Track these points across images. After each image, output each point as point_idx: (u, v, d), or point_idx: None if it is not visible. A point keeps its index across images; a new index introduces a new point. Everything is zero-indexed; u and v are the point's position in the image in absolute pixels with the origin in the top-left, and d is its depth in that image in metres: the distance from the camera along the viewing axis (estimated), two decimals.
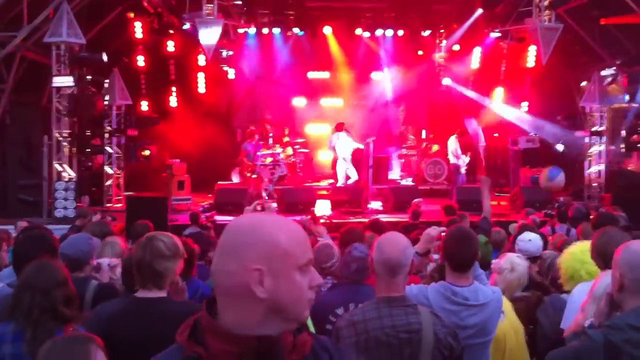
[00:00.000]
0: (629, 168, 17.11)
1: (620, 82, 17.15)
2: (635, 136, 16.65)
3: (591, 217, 8.74)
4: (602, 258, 3.74)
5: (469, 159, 17.08)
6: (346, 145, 16.15)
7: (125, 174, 16.18)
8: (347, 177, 16.33)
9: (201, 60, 17.88)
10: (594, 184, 17.28)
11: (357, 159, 16.89)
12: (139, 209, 11.79)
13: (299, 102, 19.90)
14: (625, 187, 15.79)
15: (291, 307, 1.68)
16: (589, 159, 17.45)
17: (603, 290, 3.00)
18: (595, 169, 17.31)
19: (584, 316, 3.16)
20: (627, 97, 16.89)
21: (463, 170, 17.05)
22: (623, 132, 17.07)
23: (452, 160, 17.05)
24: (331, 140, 16.66)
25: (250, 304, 1.64)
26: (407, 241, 3.24)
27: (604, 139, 17.20)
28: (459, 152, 16.94)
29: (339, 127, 16.63)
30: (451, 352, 3.05)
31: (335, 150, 16.45)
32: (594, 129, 17.11)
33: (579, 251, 4.25)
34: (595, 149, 17.31)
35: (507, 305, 4.11)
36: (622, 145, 17.43)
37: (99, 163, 16.03)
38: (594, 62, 17.23)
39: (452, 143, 16.92)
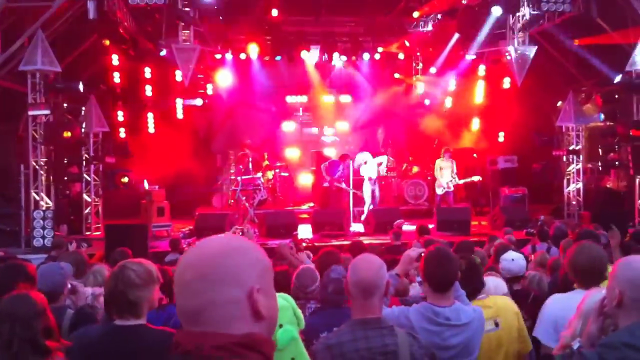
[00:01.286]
0: (607, 186, 17.29)
1: (594, 101, 17.41)
2: (611, 154, 16.85)
3: (570, 235, 8.79)
4: (586, 275, 3.76)
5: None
6: (372, 165, 16.05)
7: (103, 202, 16.02)
8: (374, 198, 16.17)
9: (179, 86, 17.86)
10: (572, 202, 17.42)
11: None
12: (118, 237, 11.72)
13: (278, 126, 19.93)
14: (603, 204, 15.96)
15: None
16: (567, 177, 17.61)
17: (591, 308, 2.99)
18: (573, 187, 17.46)
19: (571, 332, 3.14)
20: (602, 116, 17.12)
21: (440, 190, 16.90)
22: (600, 151, 17.29)
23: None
24: (356, 162, 16.45)
25: (253, 326, 1.55)
26: (381, 262, 3.21)
27: (581, 157, 17.38)
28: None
29: (344, 158, 16.47)
30: None
31: (360, 171, 16.25)
32: (571, 147, 17.28)
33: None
34: (572, 168, 17.48)
35: (502, 309, 4.12)
36: (599, 164, 17.63)
37: (77, 191, 15.87)
38: (568, 83, 17.47)
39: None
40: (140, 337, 3.23)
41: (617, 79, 15.41)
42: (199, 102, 18.54)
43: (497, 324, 4.04)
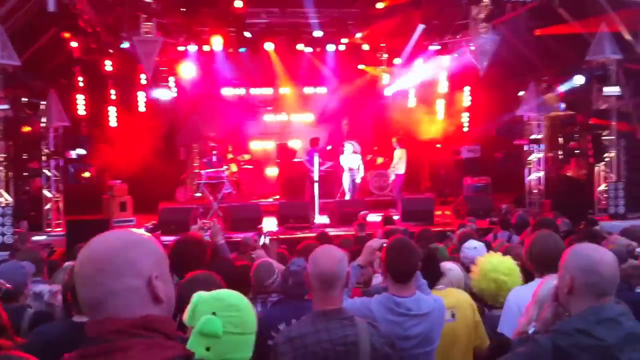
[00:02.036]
0: (567, 174, 17.58)
1: (556, 91, 17.65)
2: (572, 143, 17.14)
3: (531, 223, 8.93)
4: (542, 263, 3.80)
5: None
6: (351, 155, 16.13)
7: (64, 197, 15.73)
8: (354, 188, 16.28)
9: (141, 79, 17.63)
10: (534, 191, 17.68)
11: (302, 173, 16.88)
12: (80, 233, 11.53)
13: (242, 118, 19.80)
14: (564, 193, 16.24)
15: (173, 303, 1.76)
16: (529, 166, 17.85)
17: (546, 294, 3.03)
18: (535, 176, 17.72)
19: (527, 318, 3.18)
20: (562, 106, 17.38)
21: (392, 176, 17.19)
22: (561, 140, 17.57)
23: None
24: (313, 153, 16.42)
25: (153, 309, 1.68)
26: (342, 254, 3.22)
27: (543, 146, 17.63)
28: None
29: (315, 142, 16.52)
30: None
31: (341, 163, 16.30)
32: (532, 137, 17.52)
33: (488, 270, 4.39)
34: (534, 157, 17.73)
35: (459, 301, 4.16)
36: (560, 152, 17.92)
37: (37, 187, 15.57)
38: (530, 72, 17.69)
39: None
40: None
41: (578, 80, 15.60)
42: (165, 93, 18.23)
43: (453, 315, 4.07)
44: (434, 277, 4.23)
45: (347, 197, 16.28)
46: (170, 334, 1.68)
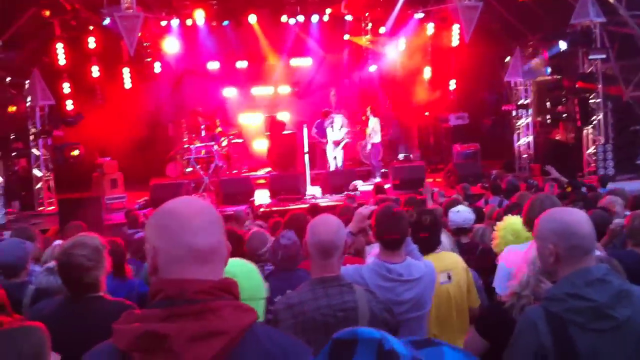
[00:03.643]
0: (556, 138, 17.68)
1: (541, 55, 17.66)
2: (559, 107, 17.21)
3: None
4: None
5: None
6: (339, 130, 16.12)
7: (55, 176, 15.69)
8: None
9: (124, 55, 17.42)
10: (523, 156, 17.79)
11: (292, 145, 16.89)
12: (72, 211, 11.58)
13: (229, 92, 19.70)
14: (553, 156, 16.33)
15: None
16: (517, 131, 17.93)
17: (535, 255, 3.08)
18: (523, 140, 17.81)
19: (519, 281, 3.23)
20: (549, 70, 17.42)
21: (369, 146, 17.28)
22: (548, 104, 17.63)
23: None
24: (324, 124, 16.41)
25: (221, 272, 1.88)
26: (340, 222, 3.25)
27: (530, 111, 17.69)
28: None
29: (327, 114, 16.55)
30: (387, 326, 3.09)
31: (326, 134, 16.29)
32: (520, 102, 17.57)
33: (511, 223, 4.44)
34: (522, 122, 17.80)
35: (453, 263, 4.25)
36: (548, 117, 18.00)
37: (24, 166, 15.51)
38: (515, 38, 17.67)
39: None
40: (98, 308, 3.28)
41: (562, 46, 15.61)
42: (157, 68, 18.04)
43: (449, 277, 4.15)
44: (437, 242, 4.29)
45: (332, 169, 16.24)
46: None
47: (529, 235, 4.14)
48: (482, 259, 5.12)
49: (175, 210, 1.82)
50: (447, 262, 4.23)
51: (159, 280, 1.75)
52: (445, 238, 4.77)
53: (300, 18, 18.57)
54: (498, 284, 4.05)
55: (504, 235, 4.44)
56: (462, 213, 5.82)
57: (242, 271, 2.39)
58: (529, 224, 4.00)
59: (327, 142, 16.64)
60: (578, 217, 2.64)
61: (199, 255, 1.75)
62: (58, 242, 5.38)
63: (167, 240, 1.76)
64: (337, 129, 16.22)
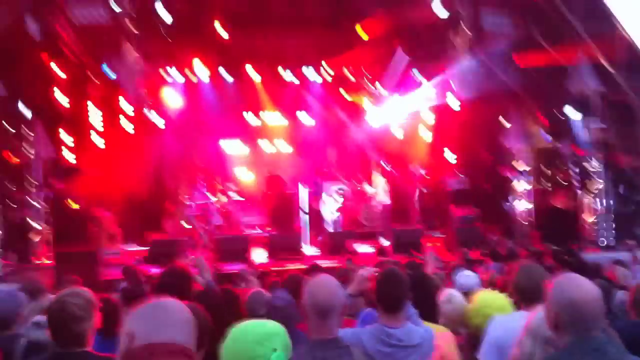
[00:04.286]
0: (555, 205, 17.67)
1: (540, 121, 17.84)
2: (559, 174, 17.28)
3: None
4: (526, 294, 3.82)
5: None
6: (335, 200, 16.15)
7: (53, 229, 15.59)
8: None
9: (125, 106, 17.50)
10: (523, 222, 17.74)
11: (291, 204, 16.88)
12: (69, 264, 11.50)
13: (230, 148, 19.74)
14: (553, 224, 16.31)
15: None
16: (517, 197, 17.93)
17: (538, 324, 3.04)
18: (523, 206, 17.79)
19: (520, 351, 3.18)
20: (549, 137, 17.56)
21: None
22: (547, 171, 17.70)
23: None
24: (330, 190, 16.42)
25: None
26: (337, 284, 3.22)
27: (530, 177, 17.74)
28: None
29: (324, 175, 16.64)
30: None
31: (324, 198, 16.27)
32: (520, 168, 17.63)
33: (482, 306, 4.40)
34: (521, 187, 17.82)
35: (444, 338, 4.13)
36: (548, 184, 18.04)
37: (21, 217, 15.44)
38: (513, 101, 17.84)
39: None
40: None
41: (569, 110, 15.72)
42: (155, 120, 18.16)
43: None
44: (430, 310, 4.21)
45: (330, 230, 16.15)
46: None
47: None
48: None
49: (160, 306, 2.07)
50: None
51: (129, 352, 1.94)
52: (458, 295, 4.69)
53: (298, 71, 18.81)
54: (485, 355, 3.96)
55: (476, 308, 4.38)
56: (471, 277, 5.77)
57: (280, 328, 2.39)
58: (515, 292, 3.98)
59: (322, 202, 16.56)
60: (586, 295, 2.61)
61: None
62: (51, 296, 5.29)
63: (146, 331, 1.97)
64: (337, 198, 16.21)
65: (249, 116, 19.63)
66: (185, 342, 1.99)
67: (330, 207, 16.06)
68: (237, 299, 4.77)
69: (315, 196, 16.59)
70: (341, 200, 16.47)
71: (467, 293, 5.66)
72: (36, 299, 5.39)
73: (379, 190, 17.03)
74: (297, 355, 3.08)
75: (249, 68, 18.13)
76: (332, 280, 3.23)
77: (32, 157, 15.03)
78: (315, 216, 16.80)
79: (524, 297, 3.85)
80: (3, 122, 13.94)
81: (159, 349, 1.91)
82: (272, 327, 2.35)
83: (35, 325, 4.43)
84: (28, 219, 15.23)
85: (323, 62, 18.74)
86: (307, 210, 15.68)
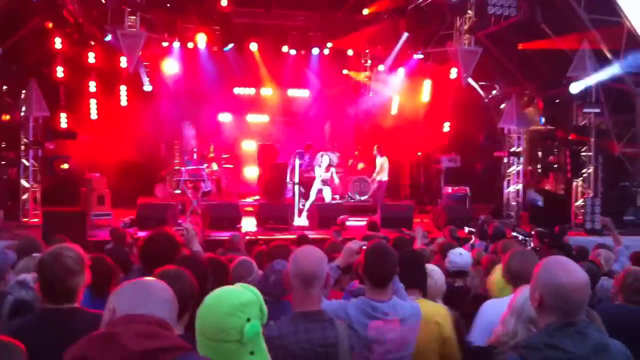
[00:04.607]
0: (545, 188, 17.76)
1: (536, 104, 17.85)
2: (551, 157, 17.33)
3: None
4: (518, 277, 3.85)
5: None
6: (325, 165, 16.03)
7: (42, 188, 15.56)
8: (319, 198, 16.17)
9: (123, 73, 17.47)
10: (512, 203, 17.83)
11: (283, 175, 16.86)
12: (56, 224, 11.44)
13: (224, 117, 19.75)
14: (541, 206, 16.41)
15: None
16: (508, 178, 18.00)
17: (522, 303, 3.06)
18: (513, 188, 17.87)
19: (503, 328, 3.21)
20: (542, 120, 17.57)
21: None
22: (540, 154, 17.76)
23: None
24: (316, 160, 16.31)
25: None
26: (322, 254, 3.23)
27: (522, 159, 17.79)
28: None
29: (308, 148, 16.52)
30: None
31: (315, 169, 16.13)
32: (512, 149, 17.67)
33: None
34: (513, 169, 17.88)
35: (425, 315, 4.13)
36: (539, 166, 18.11)
37: (13, 176, 15.40)
38: (512, 85, 17.85)
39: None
40: (79, 320, 3.22)
41: (573, 88, 15.64)
42: (147, 87, 18.10)
43: None
44: (418, 281, 4.23)
45: (308, 203, 16.06)
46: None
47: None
48: (474, 304, 5.07)
49: (142, 284, 2.25)
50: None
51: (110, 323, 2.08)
52: (437, 270, 4.72)
53: (301, 49, 18.71)
54: (477, 337, 3.99)
55: (496, 278, 4.42)
56: (464, 256, 5.80)
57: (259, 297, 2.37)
58: (507, 275, 4.03)
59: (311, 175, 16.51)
60: (574, 280, 2.59)
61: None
62: (37, 255, 5.26)
63: (128, 307, 2.11)
64: (324, 166, 16.05)
65: (246, 89, 19.56)
66: (162, 317, 2.12)
67: (319, 176, 15.97)
68: (222, 266, 4.76)
69: (306, 168, 16.54)
70: (326, 168, 16.26)
71: (457, 272, 5.70)
72: (27, 256, 5.34)
73: (379, 168, 17.09)
74: (280, 325, 3.10)
75: (250, 43, 17.97)
76: (317, 251, 3.25)
77: (24, 115, 14.90)
78: (306, 188, 16.79)
79: (516, 281, 3.88)
80: None
81: (137, 318, 2.05)
82: (248, 294, 2.33)
83: (19, 284, 4.41)
84: (18, 177, 15.16)
85: (328, 44, 18.59)
86: (297, 181, 15.64)
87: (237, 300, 2.28)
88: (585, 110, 15.57)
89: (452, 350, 4.11)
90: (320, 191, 15.94)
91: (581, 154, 15.92)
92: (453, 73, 17.29)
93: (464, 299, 5.07)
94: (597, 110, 15.48)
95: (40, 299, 4.12)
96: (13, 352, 2.68)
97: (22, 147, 14.96)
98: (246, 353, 2.26)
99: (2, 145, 14.31)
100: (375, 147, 17.46)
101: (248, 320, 2.24)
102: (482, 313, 4.13)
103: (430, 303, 4.29)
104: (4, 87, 14.24)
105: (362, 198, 18.21)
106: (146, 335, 1.96)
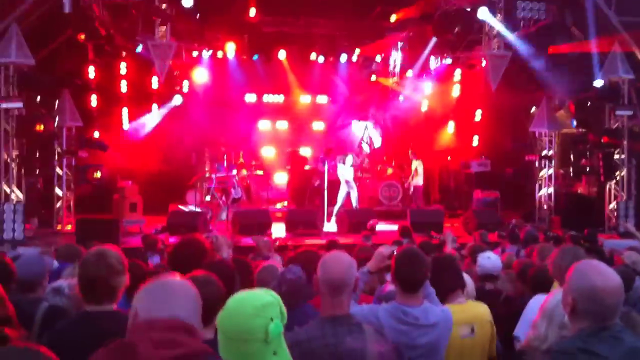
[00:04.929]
0: (578, 192, 17.54)
1: (568, 108, 17.64)
2: (583, 160, 17.11)
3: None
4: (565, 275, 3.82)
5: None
6: (349, 167, 16.04)
7: (75, 196, 15.83)
8: (347, 202, 16.15)
9: (154, 82, 17.72)
10: (544, 207, 17.63)
11: (311, 180, 16.90)
12: (90, 231, 11.65)
13: (254, 125, 19.88)
14: (574, 210, 16.19)
15: None
16: (539, 182, 17.82)
17: (554, 307, 3.03)
18: (544, 192, 17.67)
19: (535, 332, 3.19)
20: (574, 123, 17.37)
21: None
22: (572, 157, 17.54)
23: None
24: (339, 158, 16.35)
25: None
26: (351, 260, 3.24)
27: (553, 163, 17.60)
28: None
29: (329, 152, 16.57)
30: None
31: (338, 172, 16.16)
32: (543, 153, 17.49)
33: None
34: (544, 173, 17.69)
35: (478, 315, 4.17)
36: (571, 170, 17.89)
37: (47, 185, 15.68)
38: (542, 89, 17.68)
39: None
40: (121, 323, 3.22)
41: (598, 83, 15.51)
42: (177, 101, 18.36)
43: (472, 330, 4.05)
44: (454, 285, 4.23)
45: (336, 208, 16.04)
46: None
47: None
48: (505, 306, 5.05)
49: (163, 284, 2.21)
50: (472, 314, 4.11)
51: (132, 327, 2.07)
52: (470, 282, 4.71)
53: (329, 56, 18.77)
54: (522, 332, 3.99)
55: None
56: (492, 260, 5.76)
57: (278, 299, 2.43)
58: (555, 272, 3.97)
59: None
60: (607, 284, 2.56)
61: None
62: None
63: (148, 307, 2.11)
64: (348, 165, 16.02)
65: (275, 96, 19.69)
66: (186, 318, 2.09)
67: (342, 175, 15.96)
68: (249, 270, 4.79)
69: (332, 172, 16.51)
70: (351, 166, 16.19)
71: (487, 276, 5.67)
72: (72, 263, 5.43)
73: (414, 171, 17.16)
74: (307, 330, 3.11)
75: (279, 51, 18.10)
76: (346, 257, 3.25)
77: (58, 125, 15.17)
78: (334, 192, 16.80)
79: (562, 277, 3.84)
80: (31, 90, 14.06)
81: (158, 323, 2.01)
82: (268, 297, 2.40)
83: (55, 291, 4.49)
84: (52, 185, 15.42)
85: (356, 50, 18.64)
86: (326, 186, 15.65)
87: (259, 302, 2.36)
88: (618, 112, 15.37)
89: (494, 347, 4.19)
90: (348, 195, 15.95)
91: (614, 156, 15.70)
92: (482, 77, 17.19)
93: (495, 302, 5.03)
94: (630, 113, 15.27)
95: (75, 305, 4.20)
96: (38, 357, 2.68)
97: (56, 157, 15.22)
98: (270, 353, 2.33)
99: (37, 155, 14.56)
100: (410, 151, 17.48)
101: (271, 320, 2.31)
102: (529, 307, 4.11)
103: (480, 304, 4.32)
104: (38, 98, 14.50)
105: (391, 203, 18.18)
106: (164, 344, 1.94)
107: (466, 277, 4.72)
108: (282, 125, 20.30)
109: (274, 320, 2.33)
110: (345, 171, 15.88)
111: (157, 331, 1.98)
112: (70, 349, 2.87)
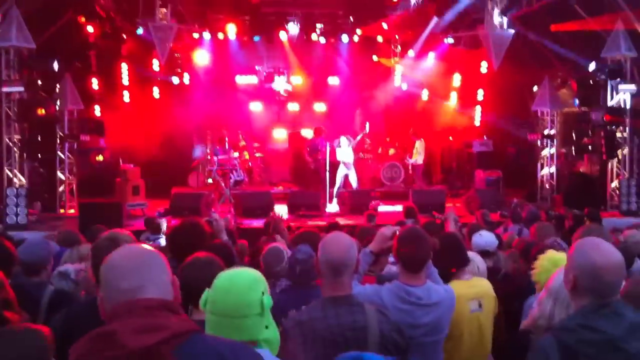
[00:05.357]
0: (580, 170, 17.51)
1: (570, 86, 17.56)
2: (585, 139, 17.05)
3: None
4: None
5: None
6: (347, 149, 15.97)
7: (78, 180, 15.85)
8: (347, 183, 16.16)
9: (155, 64, 17.68)
10: (546, 186, 17.63)
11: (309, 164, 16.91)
12: (93, 215, 11.69)
13: (255, 106, 19.84)
14: (576, 188, 16.17)
15: None
16: (541, 161, 17.80)
17: (560, 285, 3.04)
18: (547, 171, 17.66)
19: (539, 310, 3.20)
20: (577, 102, 17.29)
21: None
22: (574, 136, 17.48)
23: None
24: (334, 144, 16.28)
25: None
26: (351, 241, 3.26)
27: (555, 142, 17.56)
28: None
29: (319, 132, 16.49)
30: (396, 347, 3.08)
31: (336, 154, 16.10)
32: (545, 132, 17.45)
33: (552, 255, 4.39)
34: (546, 152, 17.67)
35: (485, 291, 4.24)
36: (573, 148, 17.85)
37: (49, 169, 15.69)
38: (544, 67, 17.59)
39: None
40: None
41: (591, 66, 15.55)
42: (175, 80, 18.36)
43: (480, 305, 4.12)
44: (461, 262, 4.27)
45: (335, 189, 16.01)
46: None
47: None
48: (504, 283, 5.09)
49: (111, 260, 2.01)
50: (478, 290, 4.21)
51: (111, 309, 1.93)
52: (480, 260, 4.74)
53: (330, 37, 18.67)
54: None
55: (542, 265, 4.40)
56: (484, 236, 5.81)
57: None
58: None
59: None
60: (608, 261, 2.57)
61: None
62: (82, 246, 5.36)
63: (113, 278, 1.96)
64: (344, 147, 15.94)
65: (277, 78, 19.61)
66: (159, 285, 1.97)
67: (343, 158, 15.92)
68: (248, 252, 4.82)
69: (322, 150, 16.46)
70: (348, 147, 16.08)
71: (482, 252, 5.70)
72: (71, 248, 5.47)
73: (415, 149, 17.18)
74: (310, 310, 3.14)
75: (280, 32, 18.00)
76: (346, 238, 3.27)
77: (59, 109, 15.16)
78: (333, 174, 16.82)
79: None
80: (33, 74, 14.04)
81: (137, 306, 1.89)
82: (253, 273, 2.47)
83: (61, 275, 4.52)
84: (54, 169, 15.44)
85: (358, 31, 18.53)
86: (328, 168, 15.64)
87: (250, 277, 2.43)
88: (620, 90, 15.30)
89: (501, 324, 4.32)
90: (346, 176, 15.93)
91: (616, 135, 15.65)
92: (484, 56, 17.10)
93: (493, 280, 5.06)
94: (634, 88, 15.19)
95: (84, 289, 4.22)
96: (37, 337, 2.70)
97: (58, 140, 15.21)
98: (263, 326, 2.38)
99: (39, 139, 14.56)
100: (411, 130, 17.50)
101: (262, 294, 2.35)
102: (552, 280, 4.12)
103: (484, 280, 4.41)
104: (39, 82, 14.48)
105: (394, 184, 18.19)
106: (146, 329, 1.83)
107: (478, 257, 4.75)
108: (284, 107, 20.23)
109: (265, 294, 2.37)
110: (344, 153, 15.84)
111: (137, 315, 1.87)
112: (83, 333, 2.90)
